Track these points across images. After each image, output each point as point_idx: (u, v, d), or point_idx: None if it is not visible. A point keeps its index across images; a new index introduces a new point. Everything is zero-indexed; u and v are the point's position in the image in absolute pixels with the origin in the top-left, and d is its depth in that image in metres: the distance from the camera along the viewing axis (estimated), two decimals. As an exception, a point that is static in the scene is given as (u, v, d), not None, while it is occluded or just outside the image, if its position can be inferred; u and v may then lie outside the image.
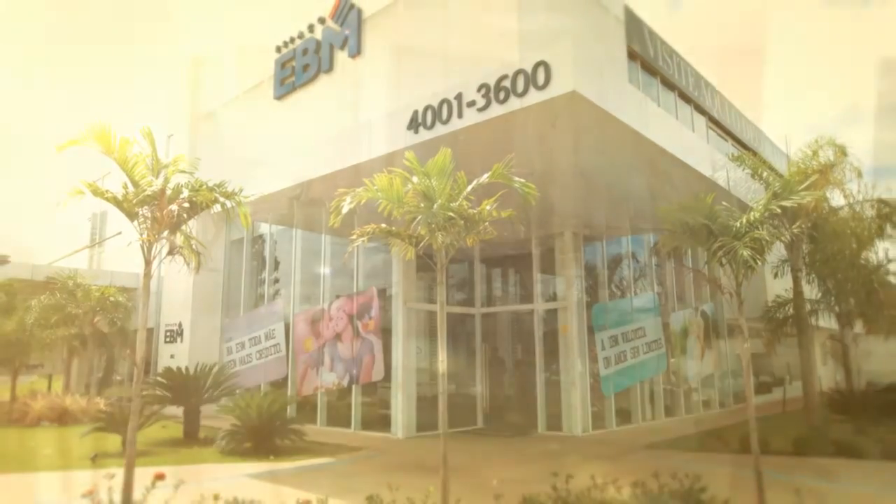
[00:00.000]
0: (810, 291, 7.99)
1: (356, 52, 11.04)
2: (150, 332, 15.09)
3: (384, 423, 11.09)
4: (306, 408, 12.25)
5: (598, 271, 12.49)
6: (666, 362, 13.04)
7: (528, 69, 7.16)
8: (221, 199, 6.02)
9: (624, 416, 12.02)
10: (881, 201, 9.98)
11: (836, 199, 9.06)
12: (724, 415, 13.52)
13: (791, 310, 7.50)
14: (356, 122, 10.11)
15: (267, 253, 14.61)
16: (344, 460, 8.49)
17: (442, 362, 5.49)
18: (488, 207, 5.56)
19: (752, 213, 6.12)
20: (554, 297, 11.79)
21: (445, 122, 7.91)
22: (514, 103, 7.17)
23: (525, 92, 7.17)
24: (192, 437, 10.47)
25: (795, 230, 7.20)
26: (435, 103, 8.06)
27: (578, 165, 8.71)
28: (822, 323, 10.05)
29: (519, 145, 7.54)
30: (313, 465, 8.11)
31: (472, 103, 7.68)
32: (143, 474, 4.88)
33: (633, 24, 10.24)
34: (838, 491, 5.95)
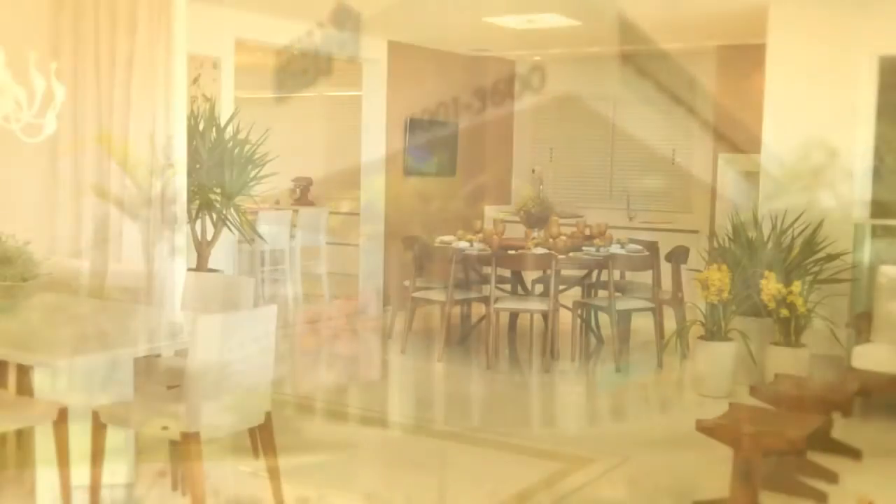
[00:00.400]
0: (804, 292, 8.07)
1: (354, 55, 11.12)
2: (151, 331, 15.19)
3: (383, 421, 11.16)
4: (305, 406, 12.32)
5: (594, 271, 12.53)
6: (661, 361, 13.14)
7: (524, 71, 7.28)
8: (221, 200, 6.13)
9: (619, 413, 12.09)
10: (874, 203, 10.04)
11: (829, 200, 9.14)
12: (720, 413, 13.58)
13: (785, 310, 7.59)
14: (355, 124, 10.22)
15: (267, 252, 14.67)
16: (342, 457, 8.57)
17: (440, 361, 5.58)
18: (486, 208, 5.65)
19: (744, 214, 6.23)
20: (552, 297, 11.84)
21: (442, 124, 8.02)
22: (510, 105, 7.28)
23: (521, 94, 7.29)
24: (192, 435, 10.55)
25: (788, 231, 7.32)
26: (432, 105, 8.17)
27: (575, 166, 8.82)
28: (816, 323, 10.14)
29: (516, 146, 7.64)
30: (312, 462, 8.20)
31: (468, 105, 7.80)
32: (144, 472, 4.94)
33: (627, 27, 10.35)
34: (834, 488, 6.03)
